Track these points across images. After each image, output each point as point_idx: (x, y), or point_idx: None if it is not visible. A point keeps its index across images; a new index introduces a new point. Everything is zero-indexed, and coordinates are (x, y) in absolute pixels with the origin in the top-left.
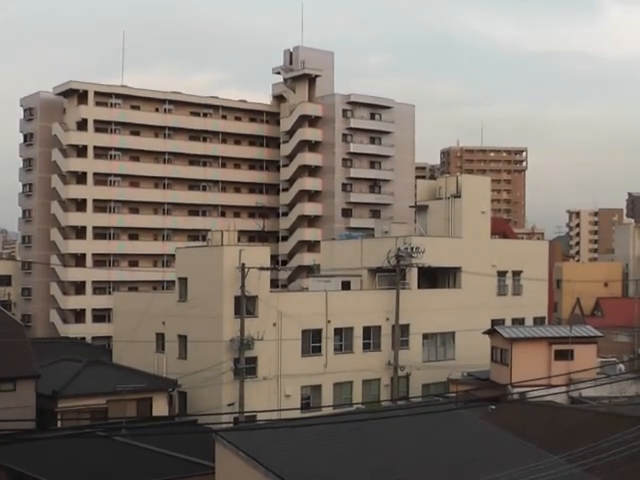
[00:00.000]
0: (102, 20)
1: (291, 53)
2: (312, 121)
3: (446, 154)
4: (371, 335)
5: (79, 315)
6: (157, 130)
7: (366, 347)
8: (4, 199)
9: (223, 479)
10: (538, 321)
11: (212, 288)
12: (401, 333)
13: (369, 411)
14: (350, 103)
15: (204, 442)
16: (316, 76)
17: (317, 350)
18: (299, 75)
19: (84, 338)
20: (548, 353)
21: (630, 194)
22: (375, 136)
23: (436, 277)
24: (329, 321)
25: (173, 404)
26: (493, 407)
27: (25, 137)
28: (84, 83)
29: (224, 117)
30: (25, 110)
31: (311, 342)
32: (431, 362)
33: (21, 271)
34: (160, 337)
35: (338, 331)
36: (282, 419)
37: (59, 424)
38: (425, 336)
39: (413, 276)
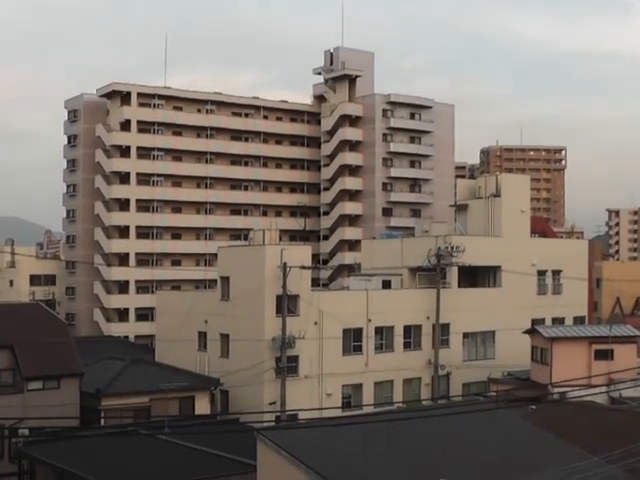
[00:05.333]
0: (145, 22)
1: (331, 54)
2: (353, 121)
3: (485, 153)
4: (412, 334)
5: (122, 314)
6: (199, 130)
7: (407, 346)
8: (49, 200)
9: (265, 477)
10: (578, 321)
11: (254, 287)
12: (441, 332)
13: (410, 410)
14: (390, 103)
15: (246, 441)
16: (356, 76)
17: (358, 349)
18: (339, 75)
19: (127, 337)
20: (588, 353)
21: None
22: (415, 136)
23: (476, 276)
24: (370, 320)
25: (215, 403)
26: (533, 407)
27: (69, 138)
28: (127, 84)
29: (265, 117)
30: (69, 112)
31: (352, 341)
32: (471, 361)
33: (65, 270)
34: (202, 336)
35: (379, 330)
36: (323, 418)
37: (102, 422)
38: (465, 335)
39: (453, 275)
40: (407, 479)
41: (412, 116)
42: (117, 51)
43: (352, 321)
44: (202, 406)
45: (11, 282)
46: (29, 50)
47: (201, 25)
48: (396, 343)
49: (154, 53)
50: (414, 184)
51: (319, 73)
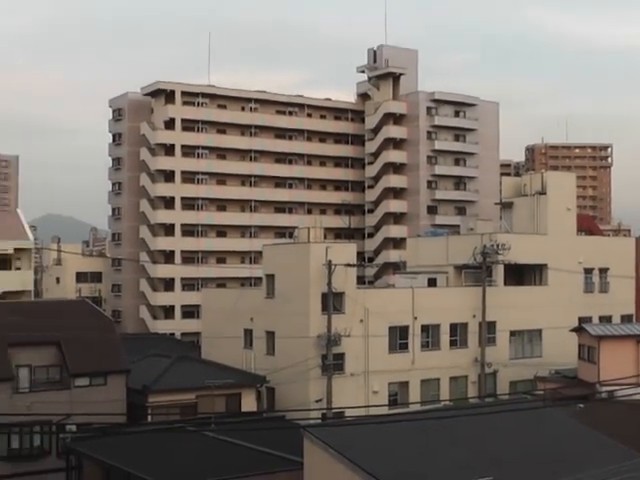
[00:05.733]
0: (190, 21)
1: (375, 52)
2: (397, 119)
3: (530, 151)
4: (458, 332)
5: (168, 311)
6: (243, 128)
7: (453, 344)
8: (94, 197)
9: (311, 474)
10: (625, 319)
11: (299, 285)
12: (488, 330)
13: (457, 408)
14: (434, 101)
15: (292, 438)
16: (400, 74)
17: (404, 347)
18: (383, 74)
19: (173, 334)
20: (636, 351)
21: None
22: (459, 133)
23: (522, 274)
24: (416, 318)
25: (261, 400)
26: (581, 405)
27: (114, 137)
28: (171, 83)
29: (309, 115)
30: (114, 110)
31: (398, 339)
32: (518, 359)
33: (111, 268)
34: (248, 333)
35: (425, 328)
36: (370, 415)
37: (149, 419)
38: (512, 333)
39: (499, 273)
40: (454, 477)
41: (456, 114)
42: (161, 50)
43: (398, 319)
44: (248, 403)
45: (57, 279)
46: (75, 49)
47: (246, 24)
48: (442, 341)
49: (199, 52)
50: (459, 182)
51: (363, 71)
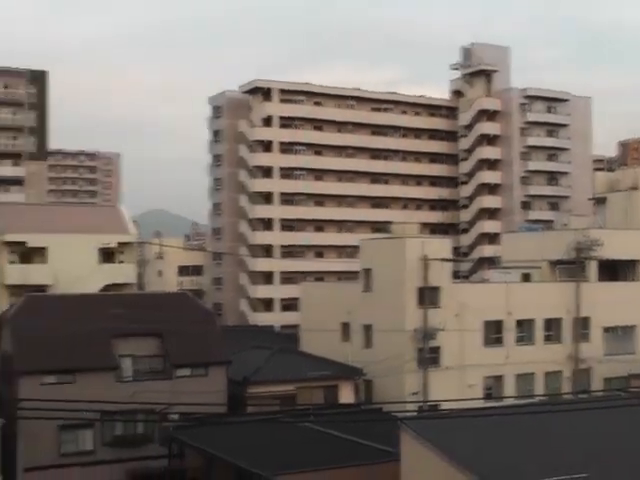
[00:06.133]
0: (286, 20)
1: (468, 49)
2: (490, 115)
3: (624, 146)
4: (552, 327)
5: (268, 304)
6: (339, 125)
7: (547, 339)
8: (195, 193)
9: (408, 467)
10: None
11: (395, 279)
12: (582, 326)
13: (551, 403)
14: (527, 97)
15: (389, 430)
16: (493, 71)
17: (498, 341)
18: (476, 71)
19: (272, 326)
20: None
21: None
22: (552, 129)
23: (615, 270)
24: (510, 313)
25: (359, 392)
26: None
27: (214, 134)
28: (269, 81)
29: (404, 112)
30: (213, 108)
31: (493, 333)
32: (612, 356)
33: (212, 262)
34: (345, 326)
35: (519, 323)
36: (465, 409)
37: (249, 409)
38: (606, 329)
39: (593, 269)
40: (549, 472)
41: (549, 110)
42: (259, 48)
43: (492, 313)
44: (346, 395)
45: (159, 272)
46: (174, 48)
47: (342, 22)
48: (536, 336)
49: (296, 50)
50: (552, 177)
51: (456, 69)
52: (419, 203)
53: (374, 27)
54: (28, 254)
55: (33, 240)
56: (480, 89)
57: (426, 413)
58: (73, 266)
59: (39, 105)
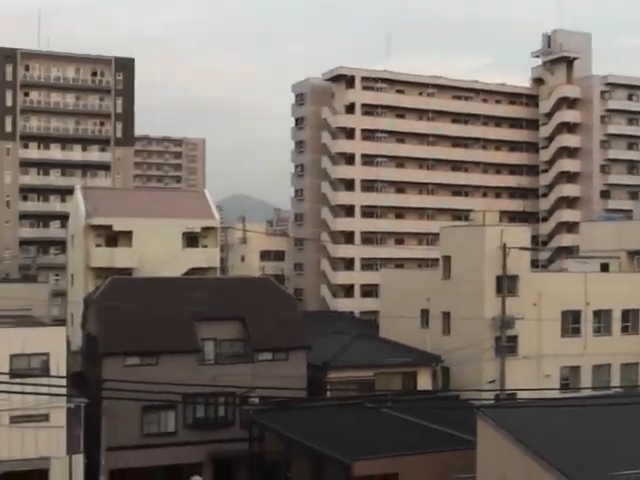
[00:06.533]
0: (368, 8)
1: (549, 37)
2: (570, 103)
3: None
4: (629, 318)
5: (348, 290)
6: (421, 113)
7: (625, 330)
8: (278, 179)
9: (484, 454)
10: None
11: (474, 267)
12: None
13: (628, 395)
14: (608, 84)
15: (466, 417)
16: (574, 58)
17: (576, 331)
18: (557, 58)
19: (352, 312)
20: None
21: None
22: (633, 117)
23: None
24: (588, 303)
25: (436, 379)
26: None
27: (297, 121)
28: (352, 69)
29: (485, 100)
30: (296, 95)
31: (570, 323)
32: None
33: (294, 247)
34: (424, 313)
35: (597, 313)
36: (542, 398)
37: (328, 394)
38: None
39: None
40: (625, 465)
41: (629, 97)
42: (342, 35)
43: (570, 303)
44: (424, 382)
45: (242, 257)
46: (256, 35)
47: (422, 10)
48: (614, 327)
49: (378, 37)
50: (632, 166)
51: (537, 56)
52: (499, 191)
53: (456, 14)
54: (114, 238)
55: (119, 224)
56: (561, 76)
57: (503, 402)
58: (158, 250)
59: (126, 91)
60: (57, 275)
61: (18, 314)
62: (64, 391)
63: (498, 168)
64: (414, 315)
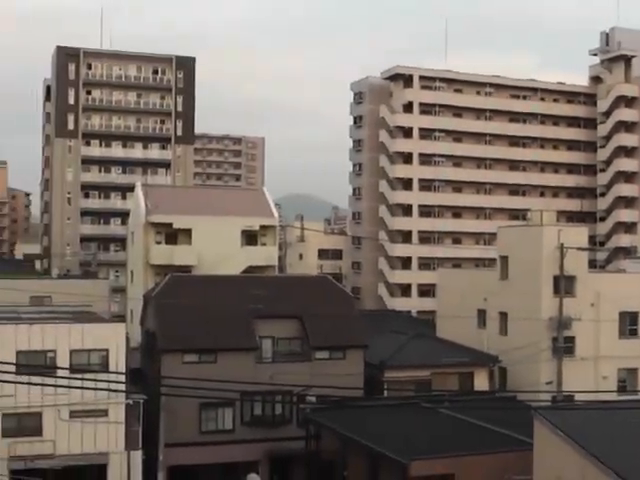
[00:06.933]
0: (425, 7)
1: (607, 35)
2: (628, 102)
3: None
4: None
5: (405, 289)
6: (478, 112)
7: None
8: (336, 177)
9: (541, 456)
10: None
11: (531, 267)
12: None
13: None
14: None
15: (523, 418)
16: (632, 57)
17: (634, 333)
18: (615, 56)
19: (409, 312)
20: None
21: None
22: None
23: None
24: None
25: (493, 379)
26: None
27: (355, 119)
28: (409, 68)
29: (542, 99)
30: (355, 94)
31: (628, 324)
32: None
33: (351, 246)
34: (481, 313)
35: None
36: (599, 401)
37: (385, 393)
38: None
39: None
40: None
41: None
42: (399, 34)
43: (628, 304)
44: (480, 382)
45: (300, 255)
46: (315, 34)
47: (480, 9)
48: None
49: (435, 37)
50: None
51: (595, 54)
52: (556, 191)
53: (514, 13)
54: (174, 235)
55: (179, 222)
56: (619, 75)
57: (560, 403)
58: (216, 247)
59: (186, 90)
60: (117, 272)
61: (79, 310)
62: (123, 387)
63: (556, 167)
64: (471, 315)
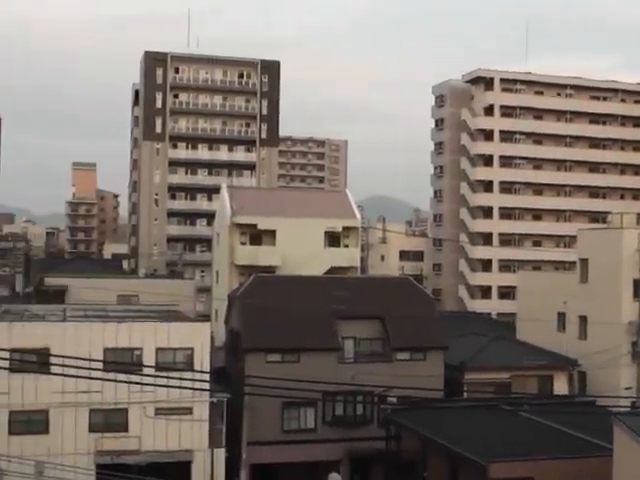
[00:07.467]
0: (505, 9)
1: None
2: None
3: None
4: None
5: (485, 291)
6: (558, 114)
7: None
8: (418, 180)
9: (621, 463)
10: None
11: (611, 270)
12: None
13: None
14: None
15: (603, 424)
16: None
17: None
18: None
19: (489, 314)
20: None
21: None
22: None
23: None
24: None
25: (573, 383)
26: None
27: (436, 122)
28: (490, 70)
29: (623, 100)
30: (436, 97)
31: None
32: None
33: (432, 248)
34: (561, 316)
35: None
36: None
37: (464, 395)
38: None
39: None
40: None
41: None
42: (480, 37)
43: None
44: (560, 386)
45: (382, 257)
46: (396, 36)
47: (559, 10)
48: None
49: (514, 38)
50: None
51: None
52: (636, 193)
53: (593, 15)
54: (258, 236)
55: (263, 223)
56: None
57: None
58: (300, 248)
59: (271, 93)
60: (202, 272)
61: (165, 309)
62: (207, 386)
63: (636, 169)
64: (551, 318)
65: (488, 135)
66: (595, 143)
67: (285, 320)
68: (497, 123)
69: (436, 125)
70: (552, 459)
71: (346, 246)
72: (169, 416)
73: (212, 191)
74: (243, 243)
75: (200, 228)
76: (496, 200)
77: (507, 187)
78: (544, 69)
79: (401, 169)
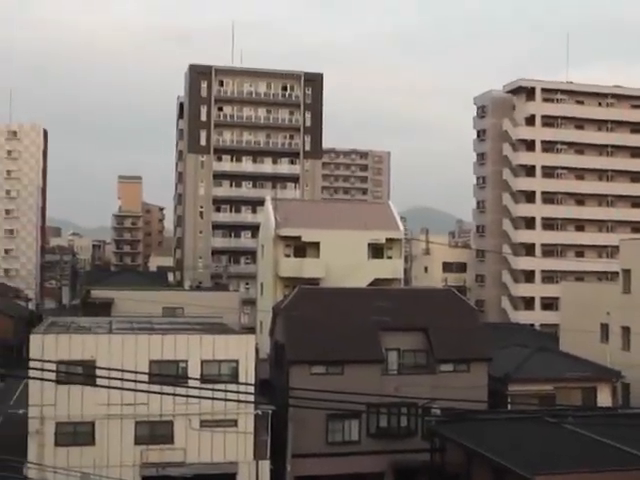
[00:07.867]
0: (546, 21)
1: None
2: None
3: None
4: None
5: (528, 302)
6: (600, 124)
7: None
8: (461, 191)
9: None
10: None
11: None
12: None
13: None
14: None
15: None
16: None
17: None
18: None
19: (533, 325)
20: None
21: None
22: None
23: None
24: None
25: (616, 395)
26: None
27: (478, 133)
28: (532, 80)
29: None
30: (478, 108)
31: None
32: None
33: (475, 259)
34: (604, 327)
35: None
36: None
37: (508, 406)
38: None
39: None
40: None
41: None
42: (522, 48)
43: None
44: (604, 397)
45: (426, 268)
46: (440, 49)
47: (600, 19)
48: None
49: (557, 48)
50: None
51: None
52: None
53: (633, 23)
54: (302, 248)
55: (307, 235)
56: None
57: None
58: (344, 260)
59: (314, 105)
60: (247, 284)
61: (210, 321)
62: (252, 398)
63: None
64: (594, 329)
65: (530, 145)
66: (636, 152)
67: (329, 332)
68: (539, 133)
69: (478, 136)
70: (597, 472)
71: (389, 258)
72: (214, 428)
73: (256, 203)
74: (287, 255)
75: (245, 240)
76: (538, 211)
77: (549, 197)
78: (585, 79)
79: (444, 180)
